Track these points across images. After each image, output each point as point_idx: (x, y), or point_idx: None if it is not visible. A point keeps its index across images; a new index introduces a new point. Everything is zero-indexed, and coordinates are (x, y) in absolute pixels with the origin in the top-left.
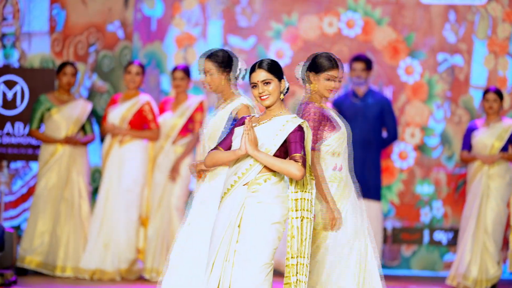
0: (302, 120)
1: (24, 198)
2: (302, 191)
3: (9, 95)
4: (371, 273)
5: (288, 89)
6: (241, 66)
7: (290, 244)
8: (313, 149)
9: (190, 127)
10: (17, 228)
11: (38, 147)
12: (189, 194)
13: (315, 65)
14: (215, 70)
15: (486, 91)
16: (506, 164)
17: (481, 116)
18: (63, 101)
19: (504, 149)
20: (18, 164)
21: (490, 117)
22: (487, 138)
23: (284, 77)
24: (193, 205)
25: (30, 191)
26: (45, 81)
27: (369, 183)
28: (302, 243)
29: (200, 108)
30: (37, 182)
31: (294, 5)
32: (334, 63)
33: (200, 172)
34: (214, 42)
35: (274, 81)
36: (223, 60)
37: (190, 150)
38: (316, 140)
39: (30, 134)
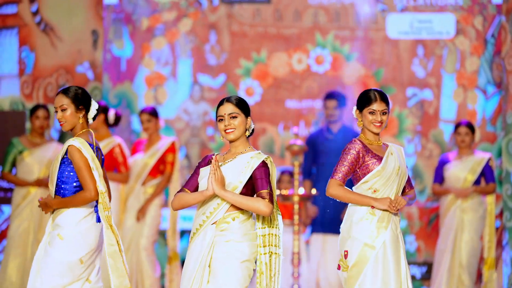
0: (266, 156)
1: None
2: (270, 226)
3: None
4: None
5: (253, 130)
6: (95, 106)
7: (259, 280)
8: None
9: (161, 168)
10: None
11: (9, 190)
12: (158, 234)
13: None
14: (71, 107)
15: (458, 125)
16: (479, 198)
17: (451, 149)
18: (35, 144)
19: (477, 182)
20: None
21: (462, 151)
22: (460, 172)
23: (250, 116)
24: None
25: (2, 235)
26: (16, 124)
27: (342, 218)
28: (271, 278)
29: (171, 149)
30: (9, 225)
31: (263, 43)
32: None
33: (45, 206)
34: (184, 81)
35: (241, 116)
36: (77, 97)
37: (160, 191)
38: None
39: (2, 177)
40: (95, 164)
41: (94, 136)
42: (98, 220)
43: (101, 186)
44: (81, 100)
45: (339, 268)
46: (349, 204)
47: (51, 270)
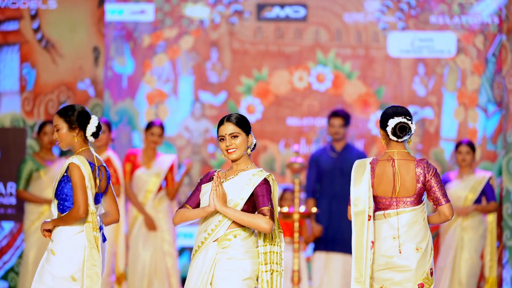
0: (268, 174)
1: None
2: (271, 244)
3: None
4: None
5: (255, 145)
6: (94, 124)
7: None
8: (448, 201)
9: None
10: None
11: (10, 206)
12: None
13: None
14: (64, 126)
15: (459, 144)
16: (480, 216)
17: (452, 168)
18: (47, 160)
19: (478, 201)
20: None
21: (463, 170)
22: (460, 190)
23: (252, 132)
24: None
25: (2, 251)
26: (16, 141)
27: (346, 237)
28: None
29: (171, 167)
30: (24, 240)
31: (264, 60)
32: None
33: (45, 231)
34: (185, 98)
35: (242, 135)
36: (70, 117)
37: (177, 189)
38: (445, 193)
39: (18, 195)
40: (90, 183)
41: (95, 154)
42: (104, 239)
43: (92, 206)
44: (74, 119)
45: (422, 287)
46: (426, 223)
47: (44, 286)
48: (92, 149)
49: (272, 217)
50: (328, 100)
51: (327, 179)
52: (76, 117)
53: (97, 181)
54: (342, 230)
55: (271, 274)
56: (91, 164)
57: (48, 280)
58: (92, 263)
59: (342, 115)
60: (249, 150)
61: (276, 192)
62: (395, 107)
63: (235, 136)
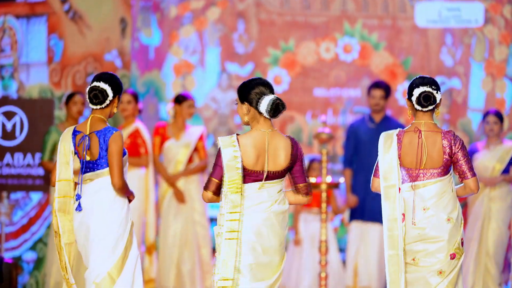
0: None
1: (25, 228)
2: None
3: (8, 126)
4: None
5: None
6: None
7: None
8: (474, 174)
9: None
10: (18, 258)
11: (38, 177)
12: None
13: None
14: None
15: (486, 114)
16: (508, 187)
17: (479, 138)
18: None
19: (505, 171)
20: (18, 195)
21: (490, 140)
22: (488, 161)
23: (249, 101)
24: None
25: (31, 222)
26: (44, 112)
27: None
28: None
29: (201, 138)
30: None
31: (291, 31)
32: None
33: None
34: (212, 69)
35: (238, 102)
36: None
37: (194, 172)
38: (471, 167)
39: (42, 165)
40: (65, 151)
41: (89, 123)
42: (78, 209)
43: (58, 173)
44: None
45: (454, 257)
46: (455, 193)
47: None
48: (93, 117)
49: (207, 185)
50: (355, 71)
51: (365, 150)
52: None
53: (81, 149)
54: (379, 200)
55: (217, 236)
56: (77, 132)
57: None
58: (54, 229)
59: (383, 87)
60: (246, 118)
61: (233, 156)
62: (422, 78)
63: (236, 103)
